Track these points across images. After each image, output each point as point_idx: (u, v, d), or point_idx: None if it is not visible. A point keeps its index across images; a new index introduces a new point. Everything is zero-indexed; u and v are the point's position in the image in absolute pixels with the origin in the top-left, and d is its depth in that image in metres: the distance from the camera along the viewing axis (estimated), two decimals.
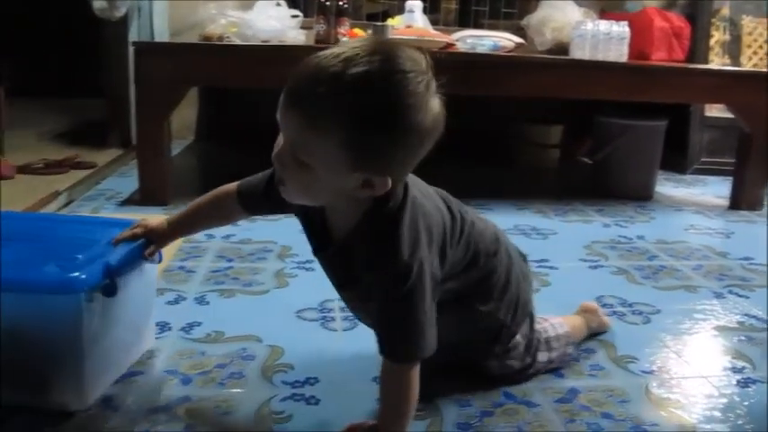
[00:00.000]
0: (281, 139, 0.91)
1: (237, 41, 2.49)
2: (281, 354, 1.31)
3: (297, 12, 2.74)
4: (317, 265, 1.76)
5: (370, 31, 2.61)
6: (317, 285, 1.63)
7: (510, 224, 2.31)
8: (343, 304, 1.51)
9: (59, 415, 1.08)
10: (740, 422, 1.16)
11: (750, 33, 3.63)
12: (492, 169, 3.29)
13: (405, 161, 0.90)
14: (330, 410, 1.13)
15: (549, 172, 3.37)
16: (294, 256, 1.88)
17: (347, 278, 1.06)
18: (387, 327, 0.97)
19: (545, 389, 1.23)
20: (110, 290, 1.09)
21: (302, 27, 2.76)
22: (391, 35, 2.46)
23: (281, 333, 1.39)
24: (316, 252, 1.10)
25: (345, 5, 2.75)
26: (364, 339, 1.35)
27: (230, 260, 1.83)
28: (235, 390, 1.18)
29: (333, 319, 1.48)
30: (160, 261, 1.28)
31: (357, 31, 2.72)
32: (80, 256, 1.09)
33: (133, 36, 3.07)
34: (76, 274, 1.04)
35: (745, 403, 1.22)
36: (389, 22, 2.76)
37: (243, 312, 1.50)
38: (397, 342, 0.96)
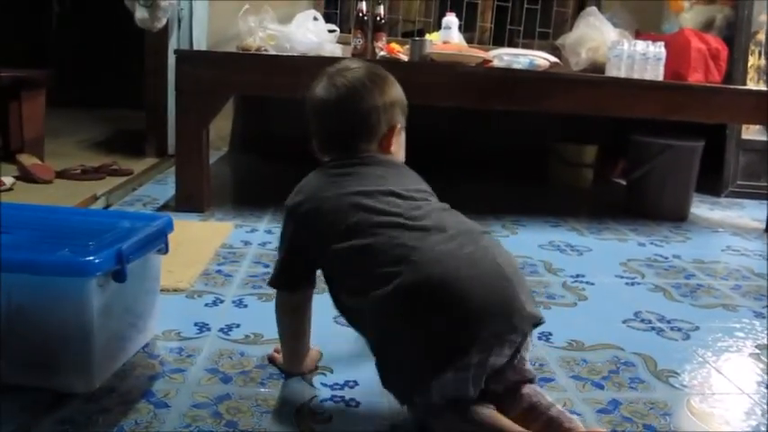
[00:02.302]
0: None
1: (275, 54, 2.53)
2: (319, 357, 1.31)
3: (333, 26, 2.78)
4: None
5: (407, 46, 2.63)
6: None
7: (545, 240, 2.30)
8: None
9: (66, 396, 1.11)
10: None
11: None
12: (527, 186, 3.29)
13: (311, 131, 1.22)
14: (370, 413, 1.13)
15: (582, 191, 3.36)
16: None
17: None
18: None
19: (586, 399, 1.22)
20: (120, 275, 1.13)
21: (338, 42, 2.79)
22: (430, 49, 2.48)
23: (319, 337, 1.38)
24: None
25: (383, 20, 2.79)
26: None
27: (267, 266, 1.84)
28: (275, 390, 1.18)
29: None
30: (166, 252, 1.31)
31: (394, 45, 2.75)
32: (92, 243, 1.13)
33: (173, 47, 3.13)
34: (89, 258, 1.08)
35: None
36: (428, 36, 2.78)
37: None
38: None
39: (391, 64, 2.54)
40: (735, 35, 3.44)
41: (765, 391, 1.32)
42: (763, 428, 1.17)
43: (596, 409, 1.19)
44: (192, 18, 3.27)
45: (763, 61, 3.56)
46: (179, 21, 3.24)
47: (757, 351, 1.51)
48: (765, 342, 1.56)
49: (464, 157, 3.47)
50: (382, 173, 1.16)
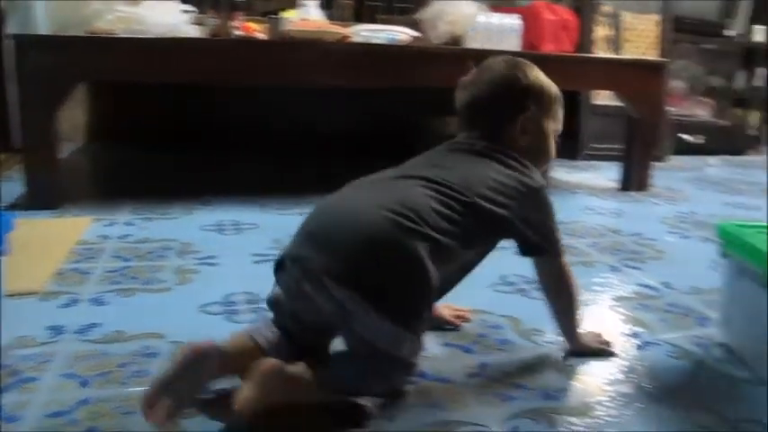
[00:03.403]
0: None
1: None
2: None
3: (189, 7, 2.67)
4: (220, 259, 1.76)
5: (266, 25, 2.57)
6: (220, 279, 1.61)
7: None
8: (249, 296, 1.50)
9: None
10: (640, 382, 1.22)
11: (629, 29, 3.83)
12: (392, 163, 3.30)
13: None
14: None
15: None
16: (196, 252, 1.82)
17: None
18: None
19: (456, 366, 1.24)
20: None
21: (194, 23, 2.68)
22: (287, 27, 2.43)
23: (185, 329, 1.34)
24: None
25: None
26: None
27: (128, 260, 1.75)
28: (138, 388, 1.12)
29: (237, 311, 1.44)
30: (6, 253, 1.22)
31: (252, 24, 2.68)
32: None
33: (11, 31, 2.89)
34: None
35: (645, 364, 1.28)
36: (284, 14, 2.72)
37: (144, 311, 1.44)
38: None
39: (248, 44, 2.47)
40: (582, 7, 3.61)
41: (623, 339, 1.39)
42: (621, 376, 1.24)
43: (467, 374, 1.21)
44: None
45: (610, 31, 3.77)
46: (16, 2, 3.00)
47: (615, 303, 1.60)
48: (621, 294, 1.65)
49: (332, 137, 3.44)
50: (446, 158, 1.24)
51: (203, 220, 2.15)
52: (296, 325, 1.11)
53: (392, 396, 1.09)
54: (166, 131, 3.38)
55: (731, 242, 1.34)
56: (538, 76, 1.29)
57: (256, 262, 1.76)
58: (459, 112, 1.30)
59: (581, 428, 1.06)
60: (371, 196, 1.11)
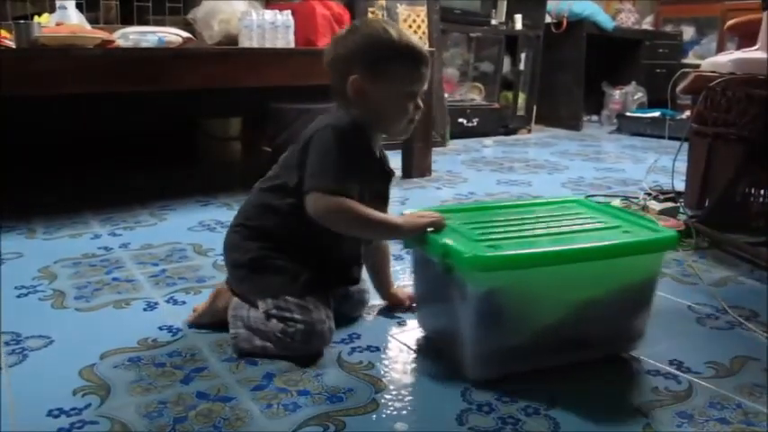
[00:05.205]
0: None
1: None
2: None
3: None
4: None
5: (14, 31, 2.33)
6: None
7: (194, 221, 2.25)
8: (9, 336, 1.35)
9: None
10: (416, 368, 1.26)
11: (405, 20, 3.98)
12: (174, 169, 3.15)
13: None
14: None
15: (231, 164, 3.34)
16: None
17: None
18: None
19: (240, 380, 1.20)
20: None
21: None
22: (38, 33, 2.23)
23: None
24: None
25: None
26: (34, 373, 1.21)
27: None
28: None
29: None
30: None
31: (1, 31, 2.42)
32: None
33: None
34: None
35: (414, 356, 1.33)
36: (37, 19, 2.49)
37: None
38: None
39: None
40: (353, 1, 3.69)
41: (404, 330, 1.43)
42: (399, 366, 1.27)
43: (250, 387, 1.17)
44: None
45: None
46: None
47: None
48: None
49: (99, 148, 3.17)
50: None
51: None
52: None
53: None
54: None
55: None
56: (374, 35, 1.27)
57: (19, 296, 1.59)
58: None
59: (369, 427, 1.07)
60: None
